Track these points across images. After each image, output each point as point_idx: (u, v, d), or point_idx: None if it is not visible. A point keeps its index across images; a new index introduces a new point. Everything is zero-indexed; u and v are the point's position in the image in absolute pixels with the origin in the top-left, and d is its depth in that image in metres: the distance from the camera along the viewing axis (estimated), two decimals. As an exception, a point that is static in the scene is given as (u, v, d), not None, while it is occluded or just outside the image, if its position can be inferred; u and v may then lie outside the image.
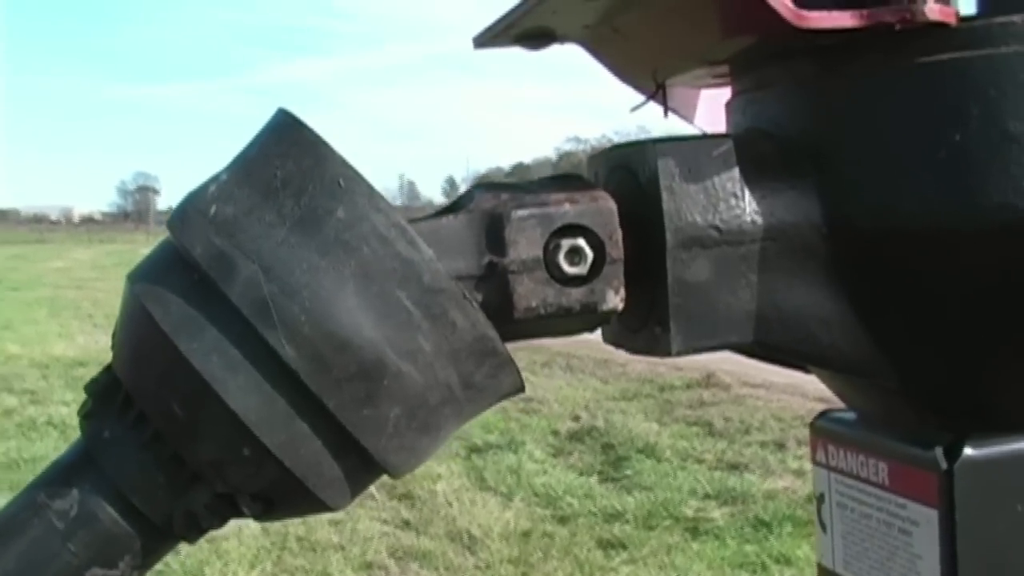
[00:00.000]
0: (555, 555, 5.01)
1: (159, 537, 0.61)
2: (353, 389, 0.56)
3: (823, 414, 0.76)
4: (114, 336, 0.62)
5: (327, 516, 5.34)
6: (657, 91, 0.79)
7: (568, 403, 8.22)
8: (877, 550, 0.70)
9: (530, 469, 6.39)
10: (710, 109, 0.85)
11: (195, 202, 0.59)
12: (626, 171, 0.65)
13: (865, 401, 0.73)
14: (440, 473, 6.30)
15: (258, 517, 0.60)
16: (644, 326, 0.65)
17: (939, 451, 0.65)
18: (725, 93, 0.76)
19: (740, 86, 0.73)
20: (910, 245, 0.62)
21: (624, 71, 0.79)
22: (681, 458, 6.50)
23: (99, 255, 42.68)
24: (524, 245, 0.61)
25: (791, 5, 0.58)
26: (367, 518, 5.56)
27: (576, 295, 0.62)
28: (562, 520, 5.53)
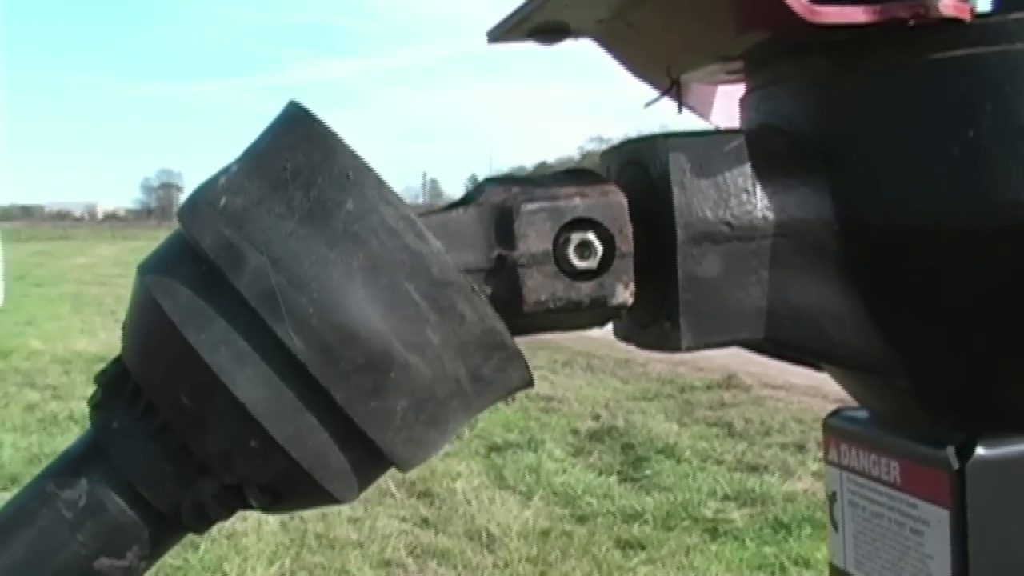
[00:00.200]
0: (573, 554, 5.01)
1: (167, 528, 0.61)
2: (360, 381, 0.56)
3: (836, 412, 0.76)
4: (124, 327, 0.62)
5: (346, 513, 5.35)
6: (671, 87, 0.78)
7: (588, 402, 8.21)
8: (888, 550, 0.70)
9: (550, 468, 6.38)
10: (726, 105, 0.85)
11: (205, 194, 0.59)
12: (638, 166, 0.65)
13: (877, 400, 0.73)
14: (459, 471, 6.30)
15: (265, 508, 0.60)
16: (654, 321, 0.65)
17: (951, 451, 0.64)
18: (741, 89, 0.76)
19: (754, 82, 0.72)
20: (922, 242, 0.62)
21: (638, 67, 0.79)
22: (701, 459, 6.48)
23: (122, 251, 42.88)
24: (534, 238, 0.61)
25: (804, 1, 0.58)
26: (386, 516, 5.56)
27: (585, 289, 0.62)
28: (581, 520, 5.52)
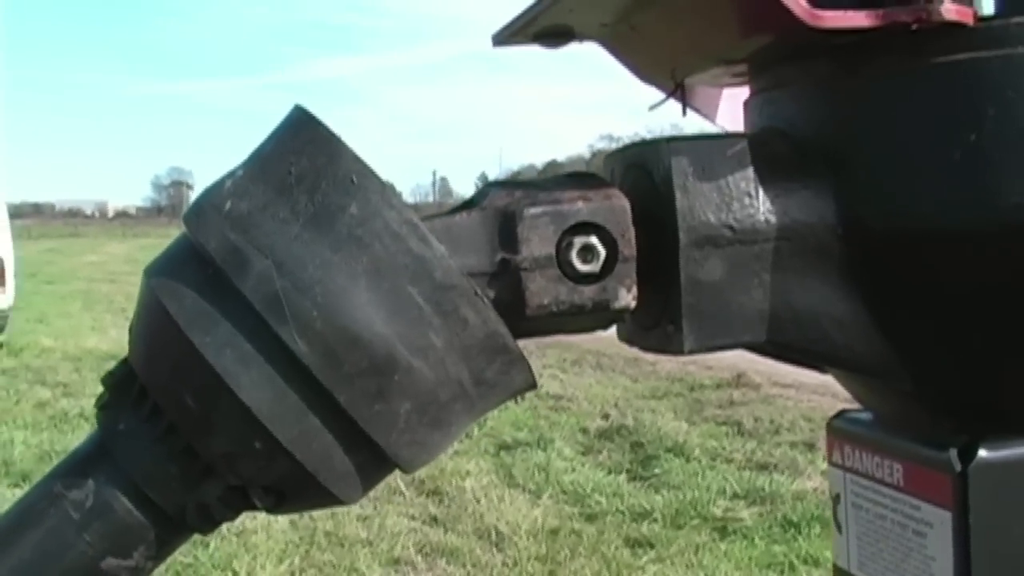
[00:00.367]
0: (582, 553, 5.01)
1: (173, 528, 0.61)
2: (364, 384, 0.56)
3: (840, 414, 0.76)
4: (131, 329, 0.62)
5: (355, 511, 5.36)
6: (676, 89, 0.79)
7: (598, 401, 8.22)
8: (891, 551, 0.70)
9: (559, 467, 6.39)
10: (732, 108, 0.85)
11: (211, 197, 0.60)
12: (641, 170, 0.65)
13: (880, 402, 0.73)
14: (469, 470, 6.31)
15: (270, 510, 0.61)
16: (657, 324, 0.65)
17: (953, 453, 0.64)
18: (747, 92, 0.76)
19: (757, 85, 0.73)
20: (925, 246, 0.62)
21: (643, 70, 0.79)
22: (710, 457, 6.48)
23: (133, 249, 42.93)
24: (537, 242, 0.61)
25: (806, 5, 0.58)
26: (395, 514, 5.57)
27: (588, 293, 0.62)
28: (590, 518, 5.52)
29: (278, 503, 0.60)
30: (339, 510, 5.42)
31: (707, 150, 0.64)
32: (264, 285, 0.56)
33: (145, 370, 0.60)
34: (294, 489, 0.60)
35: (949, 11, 0.59)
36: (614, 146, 0.73)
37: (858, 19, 0.59)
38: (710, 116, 0.87)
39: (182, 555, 4.73)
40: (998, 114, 0.59)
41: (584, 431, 7.33)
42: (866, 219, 0.63)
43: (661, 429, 7.08)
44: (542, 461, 6.49)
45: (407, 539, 5.22)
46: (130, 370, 0.62)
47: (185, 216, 0.60)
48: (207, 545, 4.92)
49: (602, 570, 4.82)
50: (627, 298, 0.63)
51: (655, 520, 5.41)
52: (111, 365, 0.64)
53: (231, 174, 0.60)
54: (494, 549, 5.14)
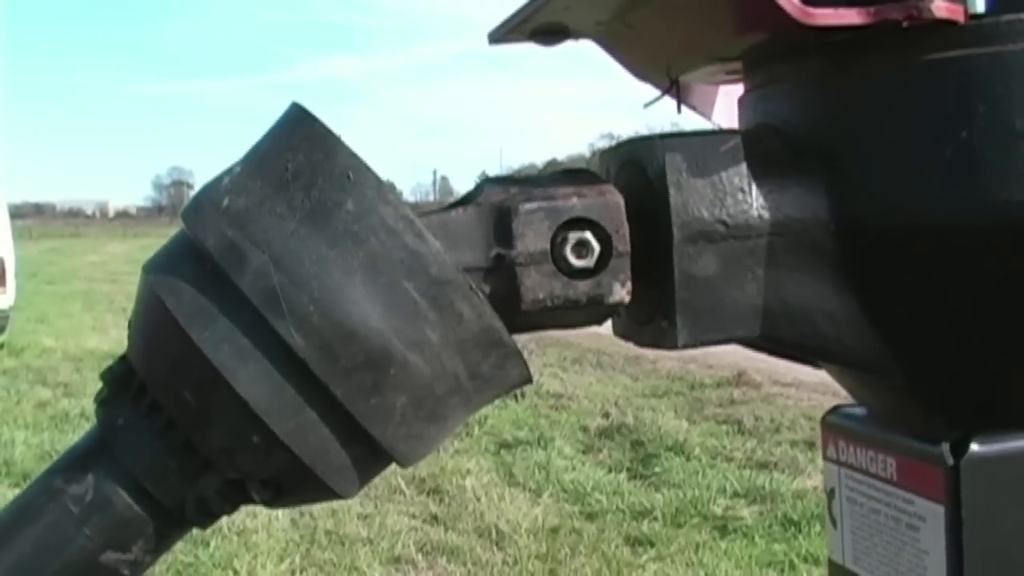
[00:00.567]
0: (583, 551, 5.01)
1: (172, 522, 0.62)
2: (360, 378, 0.57)
3: (834, 410, 0.77)
4: (129, 325, 0.63)
5: (356, 510, 5.36)
6: (671, 87, 0.79)
7: (598, 400, 8.22)
8: (885, 545, 0.70)
9: (559, 465, 6.39)
10: (728, 105, 0.86)
11: (209, 194, 0.60)
12: (635, 166, 0.66)
13: (874, 397, 0.73)
14: (469, 468, 6.31)
15: (268, 503, 0.61)
16: (651, 319, 0.65)
17: (946, 447, 0.65)
18: (742, 89, 0.76)
19: (751, 83, 0.73)
20: (916, 242, 0.62)
21: (639, 67, 0.79)
22: (710, 456, 6.49)
23: (133, 249, 42.94)
24: (531, 238, 0.62)
25: (798, 3, 0.59)
26: (396, 512, 5.58)
27: (583, 287, 0.63)
28: (590, 517, 5.53)
29: (276, 496, 0.61)
30: (339, 508, 5.42)
31: (700, 146, 0.64)
32: (261, 280, 0.57)
33: (144, 366, 0.61)
34: (292, 482, 0.60)
35: (940, 9, 0.59)
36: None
37: (850, 17, 0.60)
38: (706, 113, 0.87)
39: (183, 554, 4.74)
40: (989, 111, 0.60)
41: (584, 430, 7.33)
42: (858, 215, 0.64)
43: (661, 428, 7.08)
44: (542, 460, 6.49)
45: (407, 537, 5.22)
46: (129, 366, 0.62)
47: (183, 212, 0.61)
48: (207, 544, 4.92)
49: (602, 568, 4.82)
50: (621, 293, 0.63)
51: (655, 518, 5.41)
52: (107, 366, 0.64)
53: (229, 171, 0.61)
54: (494, 547, 5.14)
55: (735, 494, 5.75)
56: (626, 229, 0.63)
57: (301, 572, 4.86)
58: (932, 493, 0.66)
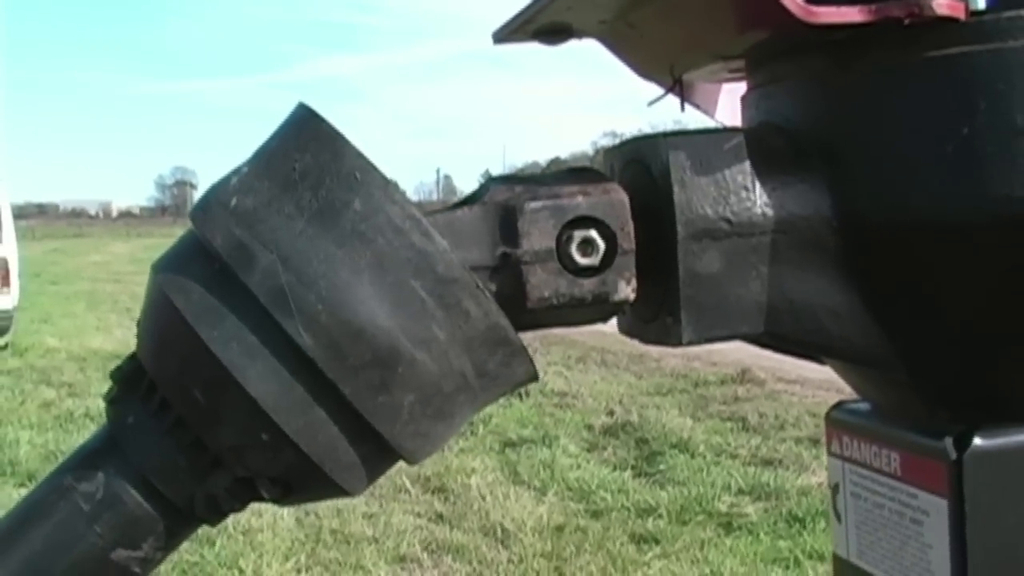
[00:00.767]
0: (588, 549, 5.02)
1: (181, 520, 0.62)
2: (368, 376, 0.57)
3: (838, 405, 0.77)
4: (138, 324, 0.63)
5: (361, 509, 5.37)
6: (674, 85, 0.79)
7: (602, 398, 8.23)
8: (889, 540, 0.71)
9: (564, 463, 6.40)
10: (731, 103, 0.86)
11: (217, 194, 0.61)
12: (639, 164, 0.66)
13: (877, 392, 0.74)
14: (474, 467, 6.32)
15: (277, 501, 0.62)
16: (656, 316, 0.66)
17: (949, 441, 0.65)
18: (745, 87, 0.77)
19: (754, 81, 0.73)
20: (919, 238, 0.63)
21: (642, 66, 0.80)
22: (715, 453, 6.49)
23: (137, 249, 42.98)
24: (537, 236, 0.62)
25: (801, 1, 0.59)
26: (401, 511, 5.59)
27: (588, 285, 0.63)
28: (595, 514, 5.54)
29: (285, 494, 0.61)
30: (345, 507, 5.43)
31: (704, 145, 0.65)
32: (270, 279, 0.57)
33: (153, 364, 0.61)
34: (300, 480, 0.61)
35: (941, 6, 0.60)
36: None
37: (851, 15, 0.60)
38: (709, 111, 0.87)
39: (188, 553, 4.75)
40: (989, 107, 0.60)
41: (589, 428, 7.34)
42: (861, 211, 0.64)
43: (666, 425, 7.09)
44: (547, 458, 6.50)
45: (413, 536, 5.23)
46: (138, 364, 0.63)
47: (191, 212, 0.61)
48: (213, 543, 4.93)
49: (607, 566, 4.83)
50: (626, 291, 0.64)
51: (660, 516, 5.42)
52: (116, 365, 0.65)
53: (237, 171, 0.62)
54: (500, 546, 5.15)
55: (740, 491, 5.76)
56: (631, 227, 0.64)
57: (307, 571, 4.87)
58: (936, 487, 0.66)
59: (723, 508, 5.49)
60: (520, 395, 7.97)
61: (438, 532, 5.32)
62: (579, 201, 0.63)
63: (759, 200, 0.64)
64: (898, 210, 0.63)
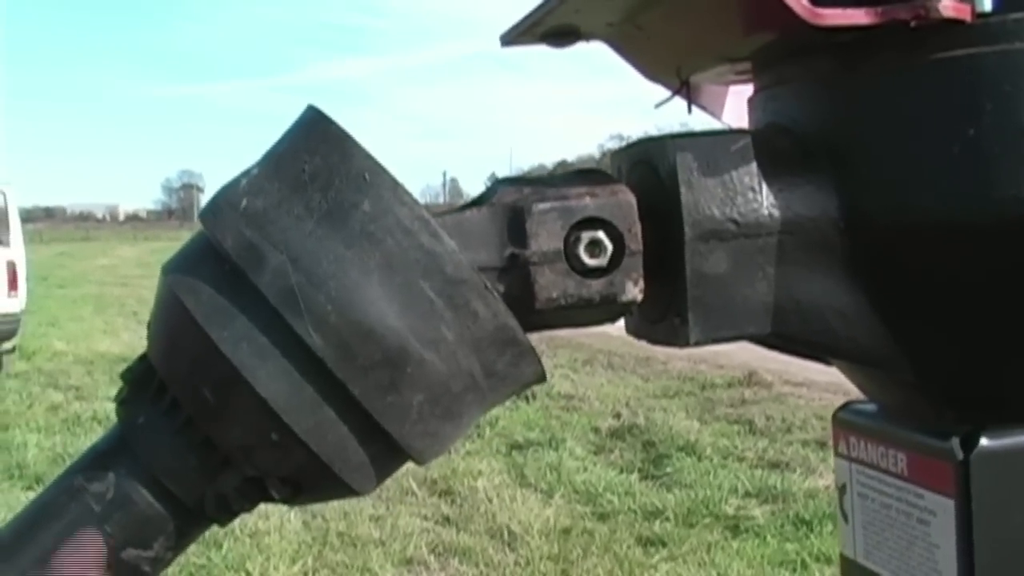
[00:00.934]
0: (595, 552, 5.02)
1: (192, 519, 0.63)
2: (378, 376, 0.58)
3: (845, 406, 0.77)
4: (149, 325, 0.64)
5: (368, 511, 5.37)
6: (681, 87, 0.80)
7: (609, 400, 8.22)
8: (896, 540, 0.71)
9: (571, 466, 6.40)
10: (738, 105, 0.86)
11: (227, 195, 0.61)
12: (647, 166, 0.67)
13: (884, 393, 0.74)
14: (481, 470, 6.32)
15: (286, 500, 0.62)
16: (663, 317, 0.66)
17: (955, 442, 0.65)
18: (752, 89, 0.77)
19: (760, 83, 0.74)
20: (925, 238, 0.63)
21: (649, 68, 0.80)
22: (722, 456, 6.49)
23: (144, 252, 43.03)
24: (545, 237, 0.62)
25: (807, 3, 0.59)
26: (407, 514, 5.59)
27: (596, 286, 0.63)
28: (602, 517, 5.53)
29: (294, 494, 0.62)
30: (351, 510, 5.43)
31: (711, 146, 0.65)
32: (279, 280, 0.57)
33: (164, 365, 0.62)
34: (310, 480, 0.61)
35: (947, 8, 0.60)
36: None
37: (858, 17, 0.60)
38: (716, 113, 0.88)
39: (195, 556, 4.75)
40: (996, 109, 0.60)
41: (596, 430, 7.34)
42: (867, 212, 0.64)
43: (673, 428, 7.09)
44: (554, 461, 6.50)
45: (419, 539, 5.23)
46: (149, 365, 0.63)
47: (201, 214, 0.62)
48: (220, 546, 4.94)
49: (614, 569, 4.83)
50: (634, 291, 0.64)
51: (667, 519, 5.42)
52: (123, 368, 0.65)
53: (247, 172, 0.62)
54: (506, 548, 5.15)
55: (747, 494, 5.75)
56: (638, 228, 0.64)
57: (313, 573, 4.87)
58: (942, 487, 0.66)
59: (730, 511, 5.49)
60: (527, 398, 7.98)
61: (445, 535, 5.32)
62: (587, 202, 0.63)
63: (766, 201, 0.65)
64: (904, 211, 0.63)
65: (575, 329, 0.69)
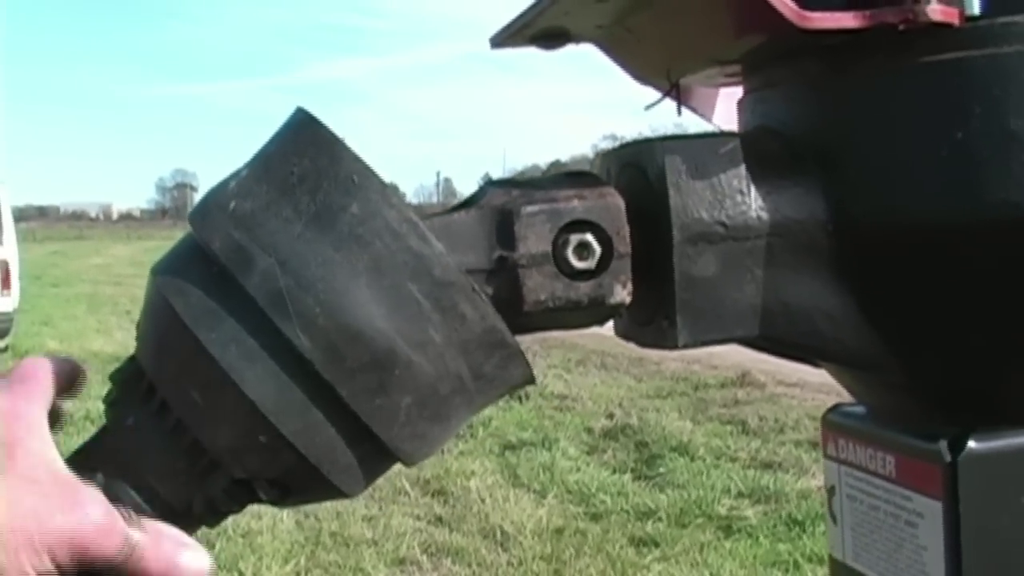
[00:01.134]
0: (587, 552, 5.02)
1: (180, 521, 0.63)
2: (366, 379, 0.58)
3: (834, 408, 0.77)
4: (138, 327, 0.64)
5: (360, 512, 5.36)
6: (671, 90, 0.80)
7: (602, 401, 8.22)
8: (884, 542, 0.71)
9: (564, 466, 6.39)
10: (728, 108, 0.86)
11: (216, 197, 0.61)
12: (635, 168, 0.67)
13: (872, 395, 0.74)
14: (473, 470, 6.31)
15: (275, 502, 0.62)
16: (652, 319, 0.66)
17: (943, 444, 0.65)
18: (742, 91, 0.77)
19: (750, 85, 0.74)
20: (913, 241, 0.63)
21: (639, 71, 0.80)
22: (715, 456, 6.48)
23: (137, 251, 42.99)
24: (533, 240, 0.63)
25: (794, 6, 0.59)
26: (400, 514, 5.58)
27: (584, 289, 0.63)
28: (595, 517, 5.53)
29: (283, 496, 0.62)
30: (344, 510, 5.43)
31: (700, 149, 0.65)
32: (268, 282, 0.57)
33: (152, 366, 0.62)
34: (298, 482, 0.61)
35: (935, 12, 0.60)
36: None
37: (846, 20, 0.61)
38: (706, 115, 0.88)
39: (188, 556, 4.73)
40: (984, 112, 0.61)
41: (589, 431, 7.33)
42: (856, 215, 0.64)
43: (666, 428, 7.08)
44: (547, 461, 6.49)
45: (412, 539, 5.22)
46: (138, 367, 0.63)
47: (190, 216, 0.62)
48: (212, 546, 4.93)
49: (607, 569, 4.83)
50: (622, 294, 0.64)
51: (660, 519, 5.41)
52: (116, 367, 0.65)
53: (235, 175, 0.62)
54: (499, 549, 5.14)
55: (739, 494, 5.75)
56: (627, 231, 0.64)
57: (306, 573, 4.87)
58: (930, 490, 0.66)
59: (723, 511, 5.48)
60: (520, 398, 7.97)
61: (437, 535, 5.31)
62: (575, 205, 0.63)
63: (754, 204, 0.65)
64: (892, 213, 0.63)
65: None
